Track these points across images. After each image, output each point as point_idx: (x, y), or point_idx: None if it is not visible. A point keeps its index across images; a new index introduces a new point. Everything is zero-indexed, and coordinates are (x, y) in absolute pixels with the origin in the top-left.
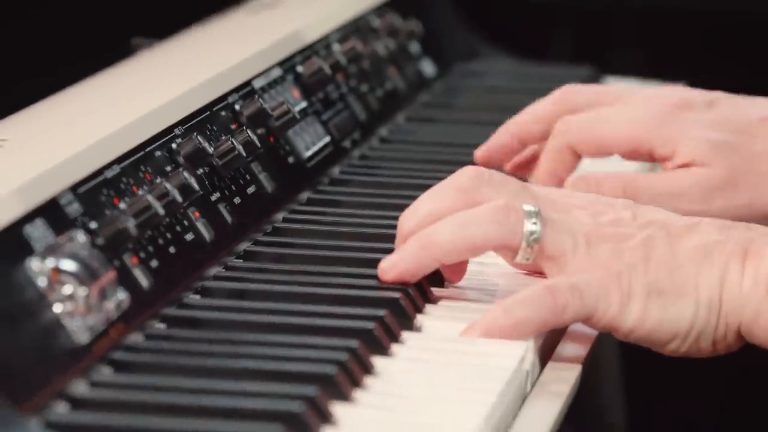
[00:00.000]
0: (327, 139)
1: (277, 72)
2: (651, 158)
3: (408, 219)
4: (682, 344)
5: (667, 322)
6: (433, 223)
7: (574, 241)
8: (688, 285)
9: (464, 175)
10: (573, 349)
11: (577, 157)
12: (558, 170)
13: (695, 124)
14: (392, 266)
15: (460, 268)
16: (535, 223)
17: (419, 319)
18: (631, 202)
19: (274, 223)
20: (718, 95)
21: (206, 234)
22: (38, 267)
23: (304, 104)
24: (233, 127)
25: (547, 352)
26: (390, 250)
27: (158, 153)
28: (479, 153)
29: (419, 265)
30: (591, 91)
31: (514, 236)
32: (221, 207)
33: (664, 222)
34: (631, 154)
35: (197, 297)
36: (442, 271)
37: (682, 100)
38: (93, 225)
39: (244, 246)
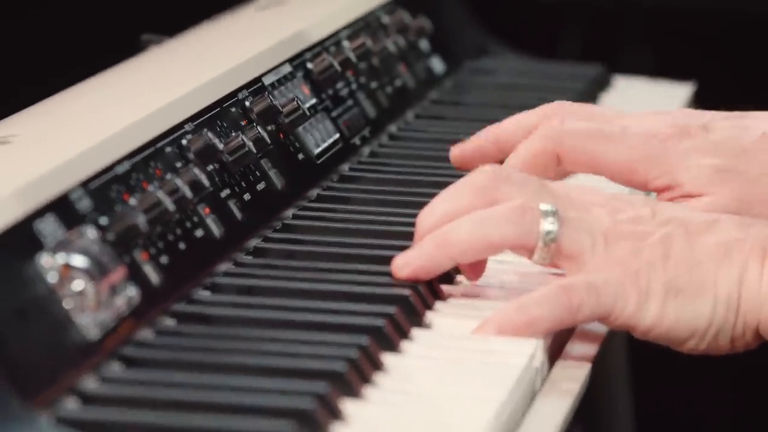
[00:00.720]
0: (336, 135)
1: (287, 69)
2: (644, 188)
3: (425, 218)
4: (701, 342)
5: (685, 320)
6: (450, 222)
7: (593, 240)
8: (706, 282)
9: (482, 174)
10: (582, 347)
11: (559, 169)
12: (533, 174)
13: (693, 151)
14: (406, 264)
15: (479, 266)
16: (552, 223)
17: (429, 316)
18: (650, 199)
19: (284, 220)
20: (713, 116)
21: (216, 230)
22: (48, 262)
23: (313, 101)
24: (243, 123)
25: (556, 350)
26: (399, 247)
27: (168, 149)
28: (454, 151)
29: (434, 263)
30: (582, 110)
31: (530, 236)
32: (231, 203)
33: (683, 219)
34: (622, 182)
35: (207, 293)
36: (461, 269)
37: (677, 127)
38: (103, 221)
39: (254, 242)
